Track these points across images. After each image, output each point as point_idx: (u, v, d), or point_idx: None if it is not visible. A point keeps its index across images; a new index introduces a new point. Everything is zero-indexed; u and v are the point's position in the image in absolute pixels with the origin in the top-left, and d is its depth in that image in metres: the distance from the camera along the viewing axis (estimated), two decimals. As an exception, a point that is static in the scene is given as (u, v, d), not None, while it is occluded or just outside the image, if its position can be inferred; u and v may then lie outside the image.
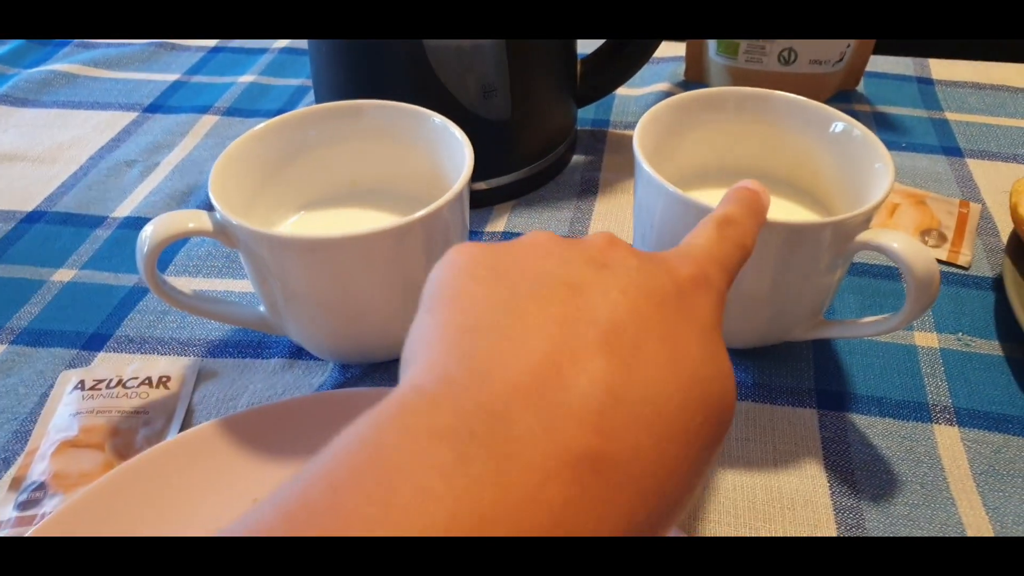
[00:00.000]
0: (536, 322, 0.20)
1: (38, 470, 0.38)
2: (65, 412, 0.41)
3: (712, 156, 0.45)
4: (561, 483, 0.17)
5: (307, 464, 0.17)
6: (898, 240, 0.34)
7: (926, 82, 0.66)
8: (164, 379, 0.42)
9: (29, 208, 0.54)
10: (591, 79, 0.57)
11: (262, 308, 0.41)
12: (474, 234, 0.51)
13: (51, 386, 0.42)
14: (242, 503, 0.35)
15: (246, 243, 0.36)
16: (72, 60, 0.71)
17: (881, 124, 0.62)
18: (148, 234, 0.36)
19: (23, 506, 0.36)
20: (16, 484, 0.38)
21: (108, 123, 0.63)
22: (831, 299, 0.41)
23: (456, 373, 0.19)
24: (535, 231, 0.26)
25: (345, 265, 0.36)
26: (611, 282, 0.22)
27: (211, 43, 0.74)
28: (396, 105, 0.42)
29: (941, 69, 0.68)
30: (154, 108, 0.65)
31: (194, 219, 0.37)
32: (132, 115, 0.64)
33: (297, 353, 0.44)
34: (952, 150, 0.58)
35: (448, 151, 0.41)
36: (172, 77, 0.69)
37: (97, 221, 0.53)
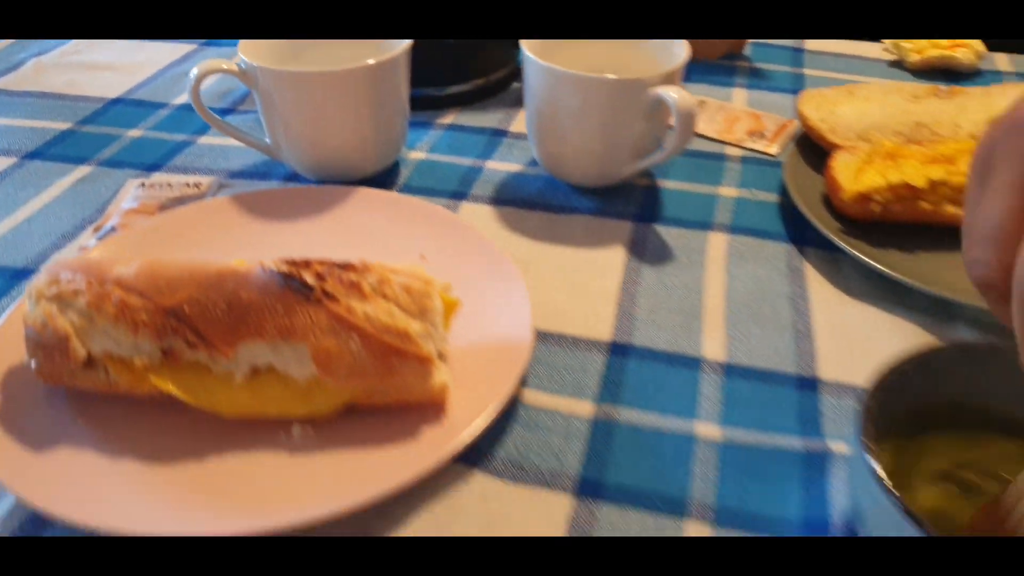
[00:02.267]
0: None
1: (111, 222, 0.58)
2: (130, 197, 0.61)
3: (576, 58, 0.63)
4: None
5: None
6: (674, 91, 0.53)
7: (799, 51, 0.85)
8: (196, 183, 0.62)
9: (113, 96, 0.76)
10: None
11: (267, 139, 0.61)
12: (427, 125, 0.71)
13: (122, 187, 0.63)
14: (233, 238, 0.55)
15: (257, 79, 0.56)
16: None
17: (753, 74, 0.80)
18: (195, 70, 0.56)
19: (101, 239, 0.56)
20: (97, 229, 0.58)
21: (174, 51, 0.85)
22: (650, 148, 0.59)
23: None
24: None
25: (318, 93, 0.55)
26: None
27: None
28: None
29: (815, 44, 0.87)
30: (209, 43, 0.87)
31: (226, 63, 0.57)
32: (191, 47, 0.86)
33: (292, 178, 0.63)
34: (800, 91, 0.77)
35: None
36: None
37: (161, 106, 0.74)
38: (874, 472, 0.31)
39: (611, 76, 0.54)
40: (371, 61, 0.55)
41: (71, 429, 0.40)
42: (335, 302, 0.39)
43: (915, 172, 0.54)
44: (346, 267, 0.41)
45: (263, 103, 0.58)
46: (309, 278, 0.40)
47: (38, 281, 0.40)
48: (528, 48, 0.58)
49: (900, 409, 0.36)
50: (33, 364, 0.40)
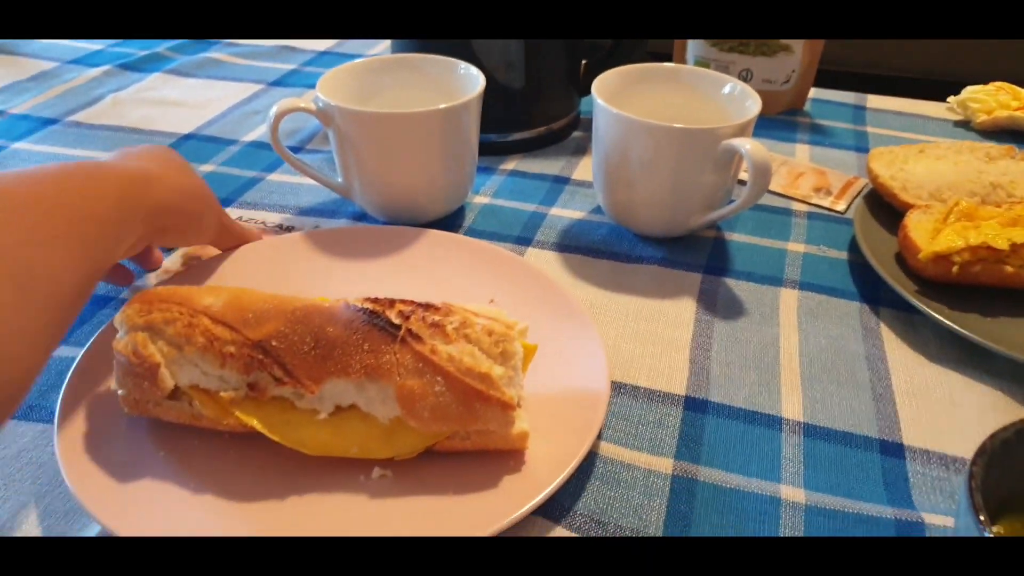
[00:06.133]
0: None
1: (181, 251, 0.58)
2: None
3: (646, 107, 0.63)
4: None
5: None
6: (748, 143, 0.53)
7: (860, 108, 0.85)
8: (262, 222, 0.63)
9: (186, 132, 0.77)
10: (592, 74, 0.77)
11: (339, 179, 0.62)
12: (490, 170, 0.72)
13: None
14: (306, 273, 0.55)
15: (334, 117, 0.57)
16: (220, 50, 0.95)
17: (815, 131, 0.80)
18: (275, 108, 0.57)
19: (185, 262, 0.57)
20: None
21: (243, 90, 0.87)
22: (720, 201, 0.58)
23: None
24: None
25: (394, 134, 0.56)
26: None
27: (322, 47, 0.98)
28: (438, 57, 0.63)
29: (876, 101, 0.87)
30: (275, 84, 0.88)
31: (304, 102, 0.58)
32: (259, 87, 0.88)
33: (359, 218, 0.64)
34: (863, 149, 0.76)
35: (468, 84, 0.61)
36: (290, 67, 0.93)
37: (231, 142, 0.76)
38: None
39: (683, 125, 0.54)
40: (443, 105, 0.56)
41: (153, 460, 0.40)
42: (420, 342, 0.39)
43: (996, 234, 0.53)
44: (429, 308, 0.41)
45: (338, 142, 0.59)
46: (394, 317, 0.40)
47: (129, 309, 0.40)
48: (598, 95, 0.58)
49: (1001, 484, 0.34)
50: (120, 392, 0.40)
